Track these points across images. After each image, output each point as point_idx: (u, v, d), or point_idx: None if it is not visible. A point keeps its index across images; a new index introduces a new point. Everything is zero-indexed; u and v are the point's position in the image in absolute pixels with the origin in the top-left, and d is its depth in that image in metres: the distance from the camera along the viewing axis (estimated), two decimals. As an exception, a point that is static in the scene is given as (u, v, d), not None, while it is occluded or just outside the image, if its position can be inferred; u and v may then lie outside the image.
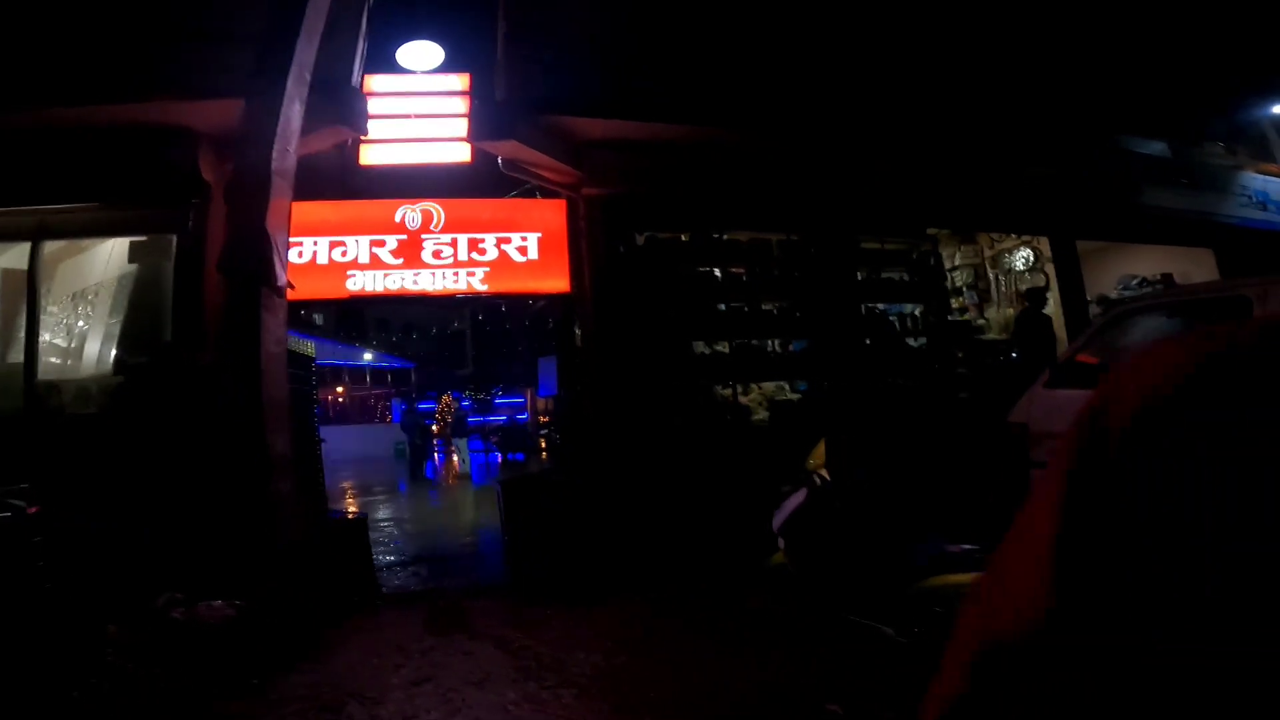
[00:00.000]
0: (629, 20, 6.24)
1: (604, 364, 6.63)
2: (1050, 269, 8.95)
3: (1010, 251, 9.55)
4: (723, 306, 7.67)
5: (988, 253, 9.90)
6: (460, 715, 3.32)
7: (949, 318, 9.22)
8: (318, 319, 22.04)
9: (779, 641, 3.99)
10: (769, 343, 8.25)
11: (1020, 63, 7.37)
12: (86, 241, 7.29)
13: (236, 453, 4.30)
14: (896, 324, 8.61)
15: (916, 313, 8.80)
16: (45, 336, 7.29)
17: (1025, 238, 9.25)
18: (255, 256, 4.20)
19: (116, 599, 4.22)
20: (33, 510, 3.78)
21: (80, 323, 7.44)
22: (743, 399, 7.91)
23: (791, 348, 8.20)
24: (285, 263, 4.50)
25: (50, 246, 7.04)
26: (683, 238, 7.58)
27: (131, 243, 6.60)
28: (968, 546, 3.52)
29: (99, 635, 4.00)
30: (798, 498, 4.10)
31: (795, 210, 7.46)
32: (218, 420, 4.53)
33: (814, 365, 7.71)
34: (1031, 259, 9.28)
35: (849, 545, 3.72)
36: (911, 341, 8.61)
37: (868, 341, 7.99)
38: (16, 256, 6.71)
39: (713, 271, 7.71)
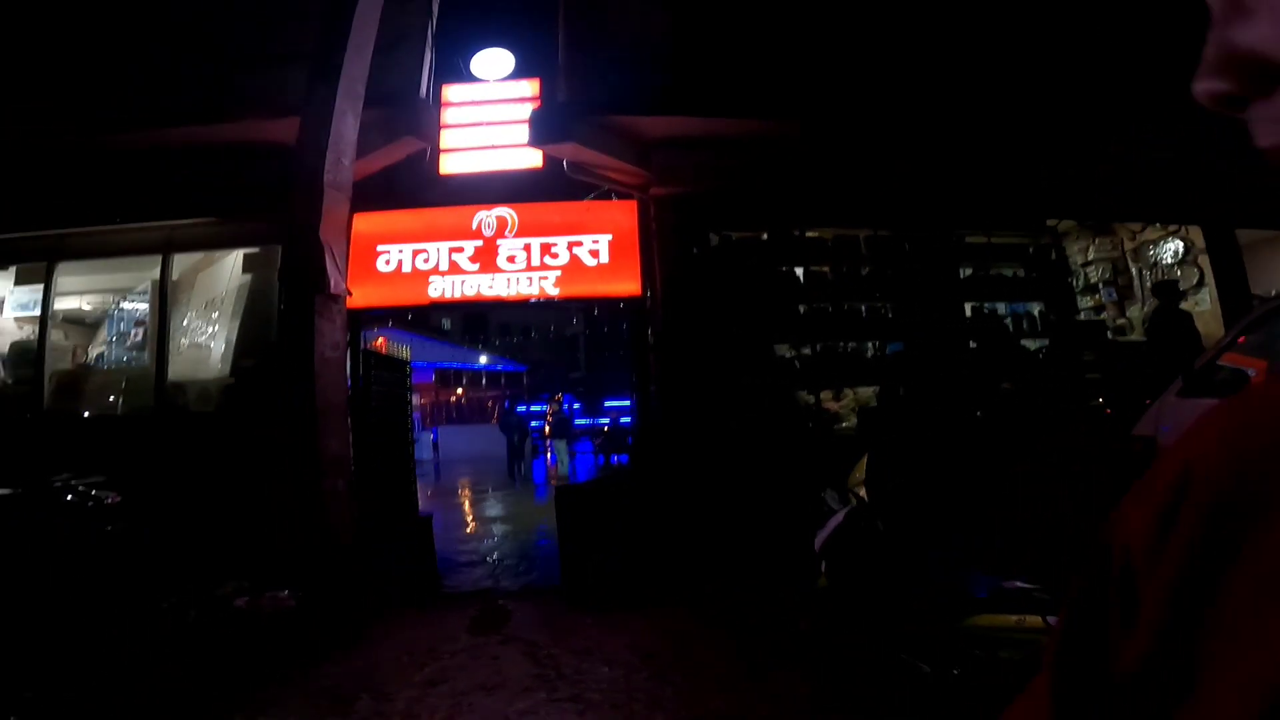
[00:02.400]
0: (690, 14, 6.02)
1: (673, 367, 6.46)
2: (1205, 261, 7.79)
3: (1156, 243, 8.38)
4: (805, 308, 7.27)
5: (1128, 245, 8.76)
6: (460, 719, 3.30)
7: (1078, 317, 8.27)
8: (445, 324, 23.34)
9: (811, 671, 3.67)
10: (867, 345, 7.74)
11: (1146, 22, 6.40)
12: (219, 253, 8.09)
13: (294, 452, 4.56)
14: (1011, 325, 7.81)
15: (1036, 312, 7.95)
16: (184, 340, 8.18)
17: (1172, 227, 8.08)
18: (310, 264, 4.43)
19: (197, 583, 4.59)
20: (114, 500, 4.17)
21: (210, 328, 8.26)
22: (835, 405, 7.45)
23: (887, 351, 7.63)
24: (344, 271, 4.72)
25: (191, 258, 7.93)
26: (762, 236, 7.25)
27: (245, 254, 7.23)
28: (1023, 584, 3.04)
29: (180, 619, 4.36)
30: (839, 517, 3.75)
31: (885, 203, 6.91)
32: (283, 420, 4.83)
33: (909, 369, 7.11)
34: (1182, 251, 8.10)
35: (885, 570, 3.34)
36: (1029, 344, 7.78)
37: (973, 344, 7.31)
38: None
39: (794, 271, 7.32)
